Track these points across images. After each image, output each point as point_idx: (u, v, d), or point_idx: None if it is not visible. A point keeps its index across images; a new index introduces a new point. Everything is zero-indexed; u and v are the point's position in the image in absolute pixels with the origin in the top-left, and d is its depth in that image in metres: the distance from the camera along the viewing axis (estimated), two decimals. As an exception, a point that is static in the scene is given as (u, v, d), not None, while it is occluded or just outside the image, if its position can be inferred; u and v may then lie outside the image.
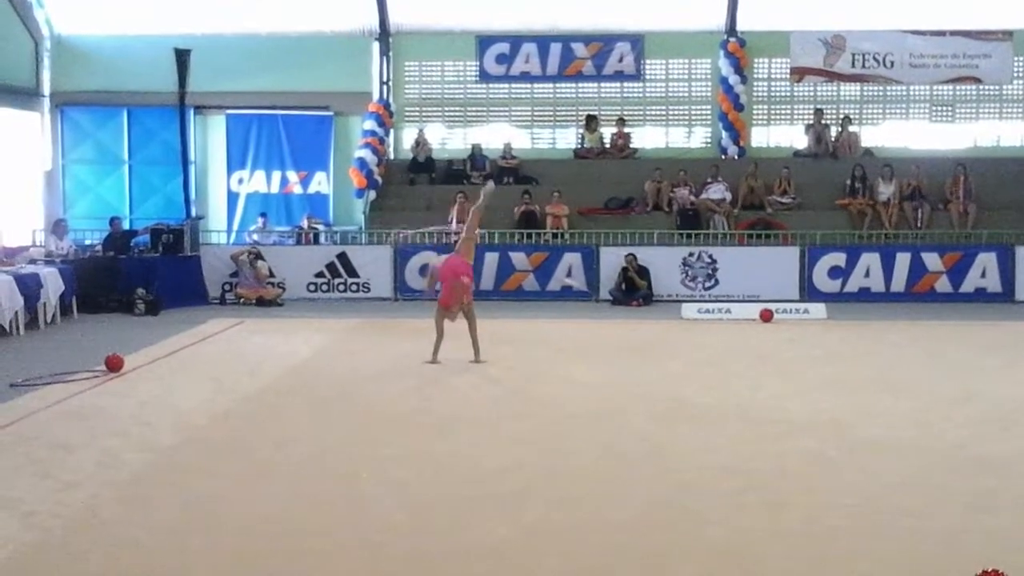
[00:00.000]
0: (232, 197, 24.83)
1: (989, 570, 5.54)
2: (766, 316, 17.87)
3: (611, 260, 20.79)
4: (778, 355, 14.30)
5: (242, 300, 20.20)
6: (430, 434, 9.44)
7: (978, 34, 24.94)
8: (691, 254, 20.93)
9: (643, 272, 20.43)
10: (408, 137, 25.53)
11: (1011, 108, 25.34)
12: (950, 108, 25.47)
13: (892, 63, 25.10)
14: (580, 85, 25.72)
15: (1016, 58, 24.99)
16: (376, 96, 25.03)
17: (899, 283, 20.63)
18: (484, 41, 25.38)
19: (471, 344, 13.26)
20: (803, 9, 24.86)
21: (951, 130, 25.41)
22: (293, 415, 10.29)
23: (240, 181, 24.85)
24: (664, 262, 20.77)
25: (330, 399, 11.09)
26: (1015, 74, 25.11)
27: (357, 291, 21.06)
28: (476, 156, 24.55)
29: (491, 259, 20.90)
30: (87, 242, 21.61)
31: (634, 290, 20.29)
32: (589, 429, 9.67)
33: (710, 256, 20.88)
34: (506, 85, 25.71)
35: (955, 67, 25.01)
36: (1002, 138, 25.40)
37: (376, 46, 25.27)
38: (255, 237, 22.78)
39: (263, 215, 23.78)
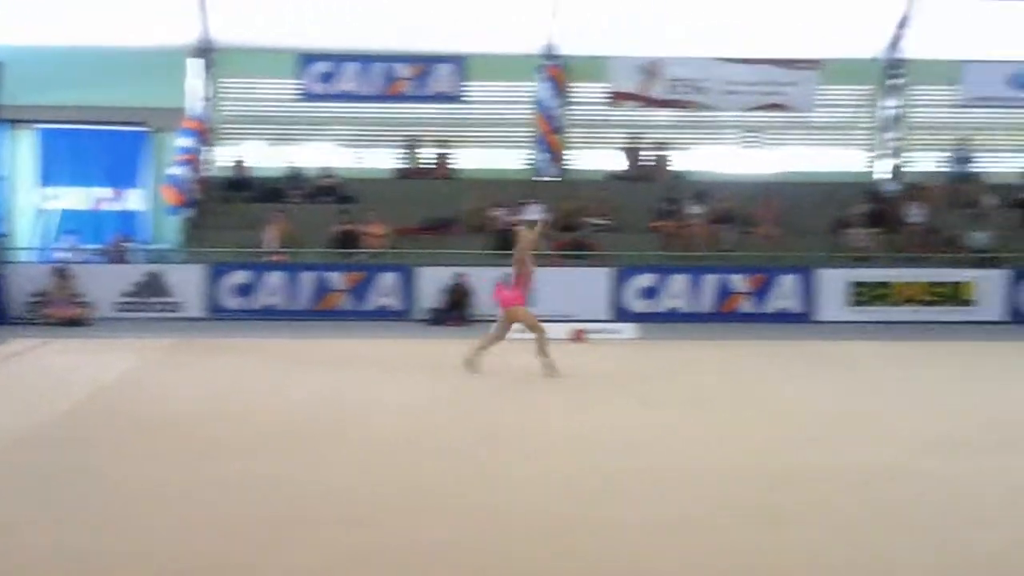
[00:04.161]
0: (42, 214, 24.20)
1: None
2: (579, 336, 18.21)
3: (429, 280, 20.93)
4: (590, 375, 14.55)
5: (50, 320, 19.68)
6: (242, 455, 9.29)
7: (786, 63, 25.84)
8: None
9: (467, 293, 20.63)
10: (226, 155, 25.28)
11: (815, 135, 26.38)
12: (759, 134, 26.38)
13: (706, 89, 25.83)
14: (402, 105, 25.82)
15: (820, 87, 26.00)
16: (194, 113, 24.72)
17: (707, 304, 21.25)
18: (306, 59, 25.26)
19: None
20: (621, 35, 25.36)
21: (759, 155, 26.33)
22: (99, 439, 10.04)
23: (51, 197, 24.23)
24: (482, 282, 20.94)
25: (140, 421, 10.84)
26: (819, 102, 26.12)
27: (170, 311, 20.74)
28: (295, 175, 24.44)
29: (307, 279, 20.89)
30: None
31: (459, 308, 20.46)
32: (399, 451, 9.70)
33: (526, 276, 21.11)
34: (328, 104, 25.66)
35: (764, 94, 25.84)
36: (806, 164, 26.39)
37: (195, 62, 24.97)
38: (64, 255, 22.20)
39: (73, 232, 23.21)
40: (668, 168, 25.45)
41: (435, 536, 7.04)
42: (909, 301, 21.27)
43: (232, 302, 20.81)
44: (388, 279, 21.15)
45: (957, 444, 10.06)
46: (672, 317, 20.94)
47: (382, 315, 20.86)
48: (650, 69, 25.79)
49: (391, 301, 21.07)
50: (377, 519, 7.45)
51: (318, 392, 12.77)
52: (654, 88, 25.85)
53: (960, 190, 25.02)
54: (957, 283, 21.40)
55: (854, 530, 7.27)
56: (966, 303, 21.34)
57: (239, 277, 20.89)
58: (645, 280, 21.30)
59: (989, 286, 21.42)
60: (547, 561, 6.61)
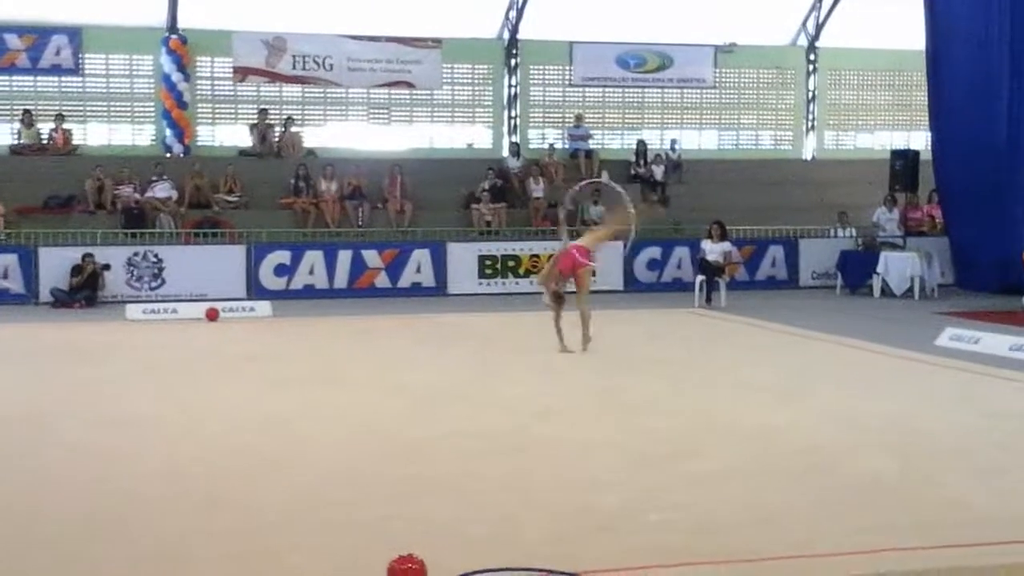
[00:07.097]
0: None
1: (405, 555, 5.80)
2: (212, 315, 17.97)
3: (52, 261, 20.04)
4: (223, 354, 14.49)
5: None
6: None
7: (410, 41, 26.34)
8: (136, 254, 20.61)
9: (97, 274, 19.87)
10: None
11: (441, 112, 27.11)
12: (386, 111, 26.81)
13: (331, 66, 25.99)
14: (15, 78, 24.65)
15: (445, 65, 26.67)
16: None
17: (342, 280, 21.37)
18: (-97, 28, 23.63)
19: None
20: (244, 9, 25.13)
21: (388, 132, 26.77)
22: None
23: None
24: (109, 262, 20.27)
25: None
26: (444, 80, 26.81)
27: None
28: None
29: (-84, 263, 19.57)
30: None
31: (88, 289, 19.68)
32: (9, 437, 9.40)
33: (156, 256, 20.65)
34: (-69, 76, 24.12)
35: (390, 72, 26.32)
36: (434, 140, 27.08)
37: None
38: None
39: None
40: (298, 144, 25.43)
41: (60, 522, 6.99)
42: (535, 273, 22.19)
43: None
44: (7, 261, 20.06)
45: (568, 411, 10.68)
46: (308, 294, 20.98)
47: (1, 299, 19.79)
48: (275, 45, 25.70)
49: (11, 284, 20.01)
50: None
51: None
52: (279, 64, 25.78)
53: (577, 166, 26.30)
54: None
55: (476, 497, 7.64)
56: (588, 273, 22.46)
57: None
58: (279, 257, 21.21)
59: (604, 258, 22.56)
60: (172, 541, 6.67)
